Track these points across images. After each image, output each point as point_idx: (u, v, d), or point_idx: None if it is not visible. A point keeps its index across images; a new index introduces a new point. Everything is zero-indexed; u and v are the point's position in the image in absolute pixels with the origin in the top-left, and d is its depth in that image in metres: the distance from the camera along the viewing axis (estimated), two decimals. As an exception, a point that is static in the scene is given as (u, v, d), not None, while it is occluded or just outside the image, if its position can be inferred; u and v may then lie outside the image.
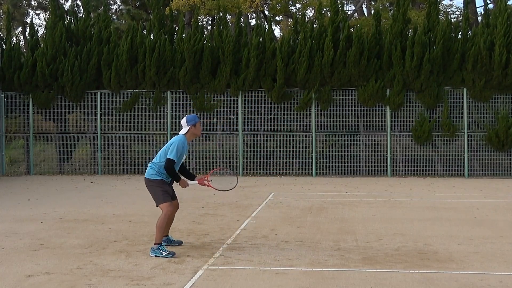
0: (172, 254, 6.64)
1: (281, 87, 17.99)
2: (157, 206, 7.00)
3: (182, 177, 7.14)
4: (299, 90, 18.21)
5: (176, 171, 6.96)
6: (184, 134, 7.03)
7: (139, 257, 6.67)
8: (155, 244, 6.77)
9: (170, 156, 6.82)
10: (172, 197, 7.03)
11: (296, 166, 18.53)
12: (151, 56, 18.44)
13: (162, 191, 6.89)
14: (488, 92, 17.40)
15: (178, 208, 7.22)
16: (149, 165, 7.08)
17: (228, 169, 7.75)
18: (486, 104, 17.61)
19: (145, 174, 7.08)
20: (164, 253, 6.64)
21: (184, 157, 7.10)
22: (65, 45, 19.02)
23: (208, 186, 7.20)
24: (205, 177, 7.22)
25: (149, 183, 6.98)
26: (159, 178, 6.94)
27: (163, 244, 6.85)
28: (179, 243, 7.30)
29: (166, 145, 7.02)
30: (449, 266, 6.25)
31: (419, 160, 17.90)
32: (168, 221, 6.90)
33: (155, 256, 6.66)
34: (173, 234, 8.11)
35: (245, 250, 7.08)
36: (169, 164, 6.83)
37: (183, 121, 7.09)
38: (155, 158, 7.06)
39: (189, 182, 7.10)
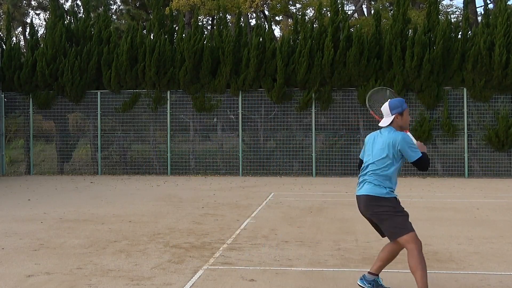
0: None
1: (281, 87, 17.99)
2: (393, 239, 5.01)
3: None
4: (299, 90, 18.21)
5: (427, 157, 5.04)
6: (388, 125, 5.13)
7: (139, 257, 6.67)
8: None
9: (418, 155, 4.93)
10: None
11: (296, 166, 18.53)
12: (151, 56, 18.44)
13: (404, 215, 4.96)
14: (488, 92, 17.40)
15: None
16: (362, 177, 5.12)
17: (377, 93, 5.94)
18: (486, 104, 17.61)
19: (363, 190, 5.07)
20: None
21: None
22: (65, 45, 19.02)
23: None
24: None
25: (377, 205, 4.97)
26: (394, 196, 5.02)
27: None
28: None
29: (378, 146, 5.10)
30: (449, 266, 6.25)
31: (419, 160, 17.85)
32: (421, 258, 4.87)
33: None
34: (173, 234, 8.11)
35: (245, 250, 7.08)
36: (423, 163, 4.96)
37: (385, 108, 5.14)
38: (367, 167, 5.12)
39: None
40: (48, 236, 7.97)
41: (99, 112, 18.96)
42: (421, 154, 4.94)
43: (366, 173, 5.11)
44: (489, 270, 6.09)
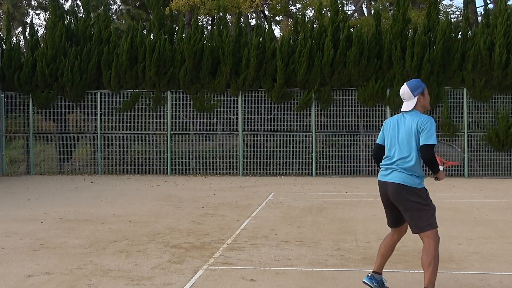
0: None
1: (281, 87, 17.99)
2: (416, 233, 4.88)
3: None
4: (299, 90, 18.21)
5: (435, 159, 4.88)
6: (412, 109, 4.94)
7: (139, 257, 6.67)
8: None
9: (431, 141, 4.72)
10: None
11: (296, 166, 18.53)
12: (151, 56, 18.44)
13: (433, 209, 4.84)
14: (488, 92, 17.41)
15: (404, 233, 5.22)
16: (390, 166, 4.94)
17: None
18: (486, 104, 17.61)
19: (394, 177, 4.88)
20: None
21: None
22: (65, 45, 19.02)
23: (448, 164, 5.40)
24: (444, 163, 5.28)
25: (409, 195, 4.79)
26: (423, 186, 4.87)
27: None
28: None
29: (403, 132, 4.89)
30: (449, 266, 6.25)
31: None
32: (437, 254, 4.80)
33: None
34: (173, 234, 8.11)
35: (245, 250, 7.08)
36: (431, 152, 4.76)
37: (406, 91, 4.96)
38: (393, 154, 4.93)
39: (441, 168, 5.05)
40: (48, 236, 7.97)
41: (99, 112, 18.96)
42: (435, 143, 4.75)
43: (395, 161, 4.91)
44: (489, 270, 6.09)
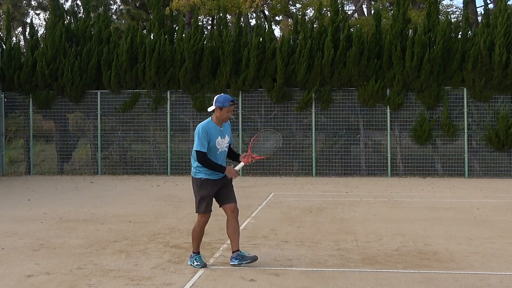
0: (203, 266, 6.11)
1: (281, 87, 17.99)
2: (228, 202, 6.26)
3: (233, 164, 6.18)
4: (299, 90, 18.21)
5: (213, 162, 6.01)
6: (211, 116, 6.17)
7: (139, 257, 6.67)
8: (193, 252, 6.28)
9: (196, 147, 5.99)
10: (224, 200, 6.25)
11: (296, 166, 18.53)
12: (151, 56, 18.44)
13: (201, 198, 6.14)
14: (488, 92, 17.40)
15: (235, 212, 6.29)
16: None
17: (264, 131, 6.56)
18: (486, 104, 17.61)
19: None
20: (195, 263, 6.15)
21: (223, 140, 6.16)
22: (65, 45, 19.02)
23: (255, 159, 6.32)
24: (247, 154, 6.31)
25: (192, 182, 6.26)
26: (199, 176, 6.11)
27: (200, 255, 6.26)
28: (253, 258, 6.19)
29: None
30: (449, 266, 6.25)
31: (419, 160, 17.90)
32: (201, 232, 6.25)
33: (190, 264, 6.22)
34: (174, 234, 8.12)
35: (245, 250, 7.07)
36: (199, 156, 5.97)
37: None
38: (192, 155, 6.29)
39: (236, 167, 6.18)
40: (48, 236, 7.97)
41: (99, 112, 18.96)
42: (199, 150, 5.95)
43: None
44: (489, 270, 6.09)
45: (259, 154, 6.34)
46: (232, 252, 6.20)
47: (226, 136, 6.20)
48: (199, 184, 6.13)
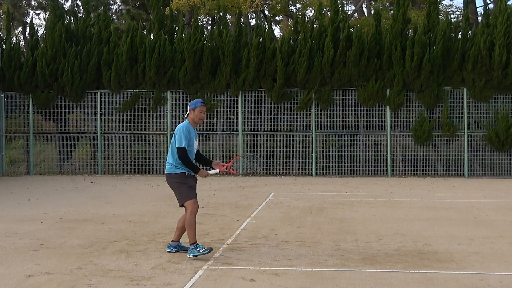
0: (209, 250, 6.42)
1: (281, 87, 17.99)
2: (180, 205, 6.58)
3: (202, 167, 6.69)
4: (299, 90, 18.22)
5: (191, 162, 6.51)
6: (187, 118, 6.68)
7: (139, 257, 6.67)
8: (190, 244, 6.49)
9: (178, 144, 6.44)
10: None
11: (296, 166, 18.53)
12: (151, 56, 18.44)
13: (187, 187, 6.48)
14: (488, 92, 17.41)
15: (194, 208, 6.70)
16: (166, 162, 6.73)
17: (248, 154, 7.07)
18: (486, 104, 17.61)
19: (165, 170, 6.70)
20: (201, 250, 6.38)
21: (196, 143, 6.70)
22: (65, 45, 19.02)
23: (230, 172, 6.81)
24: (225, 165, 6.78)
25: (170, 179, 6.58)
26: (180, 171, 6.52)
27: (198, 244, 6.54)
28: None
29: (173, 136, 6.64)
30: (449, 266, 6.25)
31: (419, 160, 17.90)
32: (194, 220, 6.49)
33: (193, 256, 6.39)
34: (173, 234, 8.10)
35: (245, 250, 7.08)
36: (181, 152, 6.43)
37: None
38: (168, 154, 6.75)
39: (210, 171, 6.67)
40: (48, 236, 7.97)
41: (99, 112, 18.96)
42: (182, 146, 6.40)
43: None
44: (489, 270, 6.09)
45: (235, 170, 6.80)
46: (172, 241, 6.84)
47: (197, 138, 6.77)
48: (182, 178, 6.51)
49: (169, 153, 6.71)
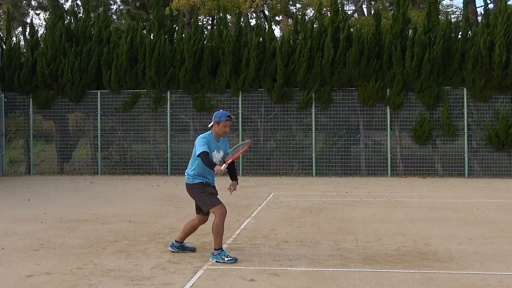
0: (235, 260, 6.36)
1: (281, 87, 17.99)
2: (206, 213, 6.70)
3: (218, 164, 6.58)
4: (299, 90, 18.21)
5: (211, 160, 6.41)
6: (211, 129, 6.63)
7: (139, 257, 6.67)
8: (215, 249, 6.47)
9: (199, 151, 6.36)
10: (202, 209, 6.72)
11: (296, 166, 18.53)
12: (151, 56, 18.44)
13: (208, 195, 6.55)
14: (488, 92, 17.40)
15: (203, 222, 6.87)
16: (186, 172, 6.78)
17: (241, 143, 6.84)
18: (486, 104, 17.61)
19: (185, 180, 6.77)
20: (226, 259, 6.35)
21: (219, 154, 6.62)
22: (65, 45, 19.01)
23: (230, 160, 6.63)
24: (229, 160, 6.62)
25: (190, 189, 6.67)
26: (198, 181, 6.61)
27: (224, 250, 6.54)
28: (193, 249, 6.99)
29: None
30: (449, 266, 6.25)
31: (419, 160, 17.90)
32: (223, 225, 6.48)
33: (216, 261, 6.36)
34: (174, 234, 8.11)
35: (245, 250, 7.08)
36: (202, 155, 6.33)
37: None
38: (189, 164, 6.76)
39: (222, 167, 6.47)
40: (48, 236, 7.97)
41: (99, 112, 18.96)
42: (204, 150, 6.33)
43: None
44: (489, 270, 6.09)
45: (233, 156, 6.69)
46: (176, 242, 6.92)
47: (221, 151, 6.66)
48: (201, 187, 6.60)
49: (189, 163, 6.73)
